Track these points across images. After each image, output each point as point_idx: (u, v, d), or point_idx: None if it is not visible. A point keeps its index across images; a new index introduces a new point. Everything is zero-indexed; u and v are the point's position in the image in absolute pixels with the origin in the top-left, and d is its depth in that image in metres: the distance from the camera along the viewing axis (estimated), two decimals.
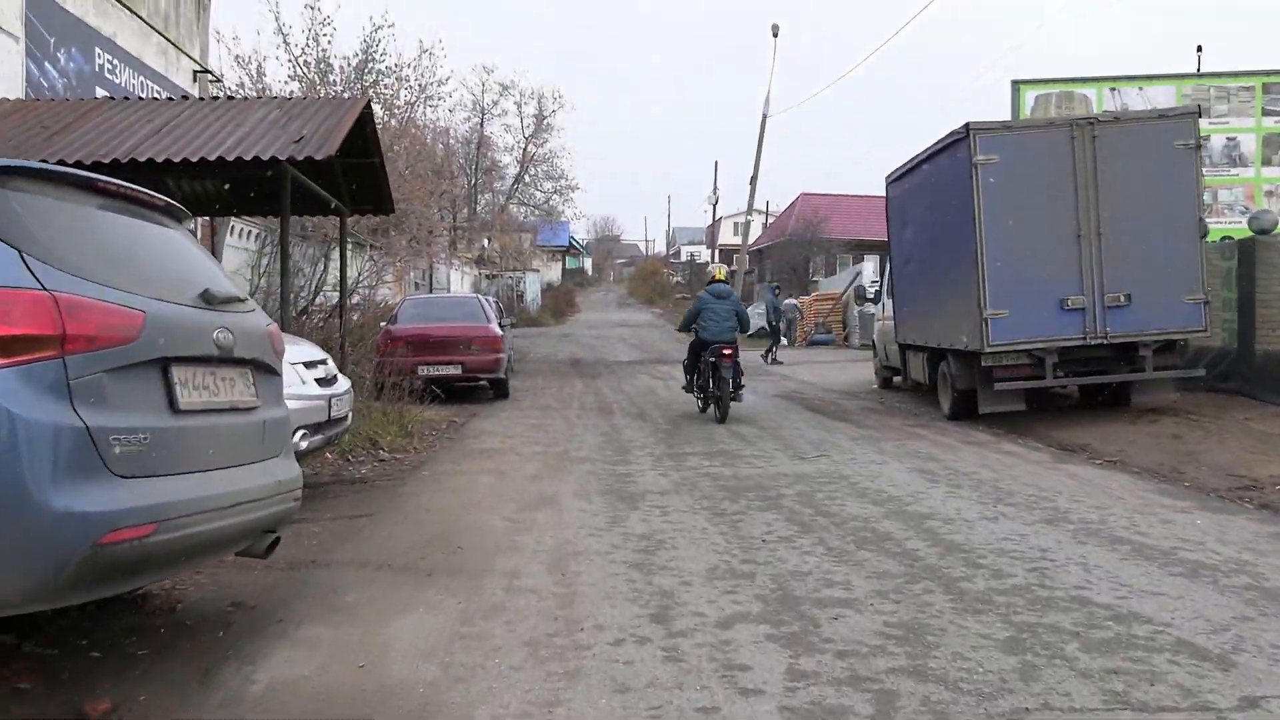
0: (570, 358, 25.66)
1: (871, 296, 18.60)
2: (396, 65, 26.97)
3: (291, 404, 6.28)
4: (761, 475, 7.97)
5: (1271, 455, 8.40)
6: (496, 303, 20.28)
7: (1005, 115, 19.45)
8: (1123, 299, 10.71)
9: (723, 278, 13.14)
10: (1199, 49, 22.64)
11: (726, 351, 11.63)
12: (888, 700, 3.30)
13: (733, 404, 11.78)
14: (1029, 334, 10.76)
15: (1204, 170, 11.82)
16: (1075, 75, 21.06)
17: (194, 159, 8.76)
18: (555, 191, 51.04)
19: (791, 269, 42.95)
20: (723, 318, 11.95)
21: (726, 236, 65.66)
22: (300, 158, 8.77)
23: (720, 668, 3.61)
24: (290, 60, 25.81)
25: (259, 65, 25.47)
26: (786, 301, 30.14)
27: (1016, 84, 20.43)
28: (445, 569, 4.99)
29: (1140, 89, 20.24)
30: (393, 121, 26.04)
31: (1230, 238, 13.85)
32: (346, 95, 21.36)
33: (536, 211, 52.70)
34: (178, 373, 3.32)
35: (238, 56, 26.86)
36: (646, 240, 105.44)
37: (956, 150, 11.21)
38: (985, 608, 4.35)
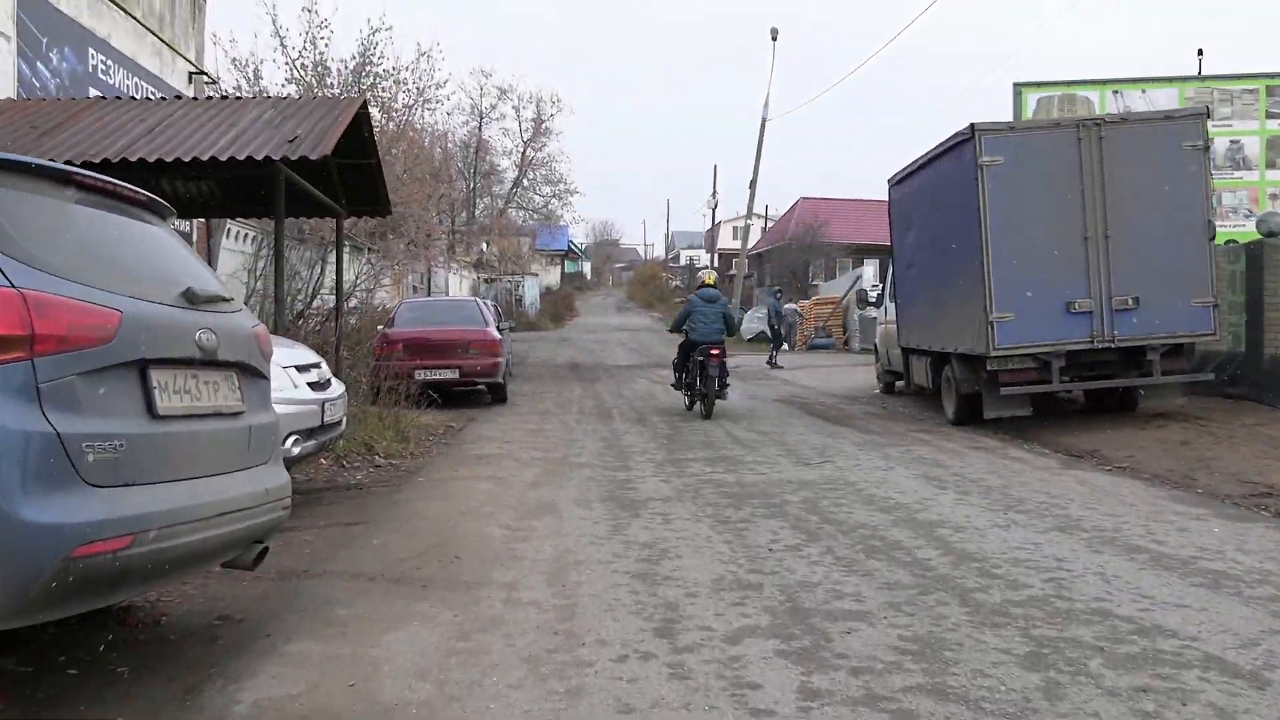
0: (569, 362, 25.49)
1: (873, 300, 18.43)
2: (394, 68, 26.87)
3: (283, 408, 6.12)
4: (765, 482, 7.80)
5: None
6: (495, 306, 20.12)
7: (1006, 118, 19.27)
8: (1130, 302, 10.56)
9: (712, 283, 13.52)
10: (1200, 52, 22.51)
11: (714, 352, 12.20)
12: None
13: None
14: (1035, 337, 10.60)
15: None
16: (1077, 78, 20.93)
17: (186, 159, 8.59)
18: (554, 195, 50.99)
19: (791, 273, 42.82)
20: (711, 320, 12.48)
21: (726, 240, 65.57)
22: (294, 157, 8.60)
23: (729, 686, 3.43)
24: (288, 63, 25.71)
25: (256, 68, 25.38)
26: (787, 306, 29.97)
27: (1018, 86, 20.29)
28: (441, 580, 4.81)
29: (1143, 91, 20.11)
30: (390, 125, 25.90)
31: (1235, 241, 13.71)
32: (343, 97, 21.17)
33: (535, 215, 52.59)
34: (157, 376, 3.15)
35: (235, 59, 26.66)
36: (645, 244, 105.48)
37: (961, 151, 11.05)
38: (1003, 620, 4.18)
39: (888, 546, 5.55)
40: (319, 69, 25.73)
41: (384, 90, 26.41)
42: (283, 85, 25.23)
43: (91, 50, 13.01)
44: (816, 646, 3.84)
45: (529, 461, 8.98)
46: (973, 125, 10.70)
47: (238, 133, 9.28)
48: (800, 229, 45.22)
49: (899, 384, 15.97)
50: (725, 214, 62.44)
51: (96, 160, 8.49)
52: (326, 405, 6.57)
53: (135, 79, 14.06)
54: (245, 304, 15.73)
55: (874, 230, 42.64)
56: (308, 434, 6.32)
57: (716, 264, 60.79)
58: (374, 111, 24.22)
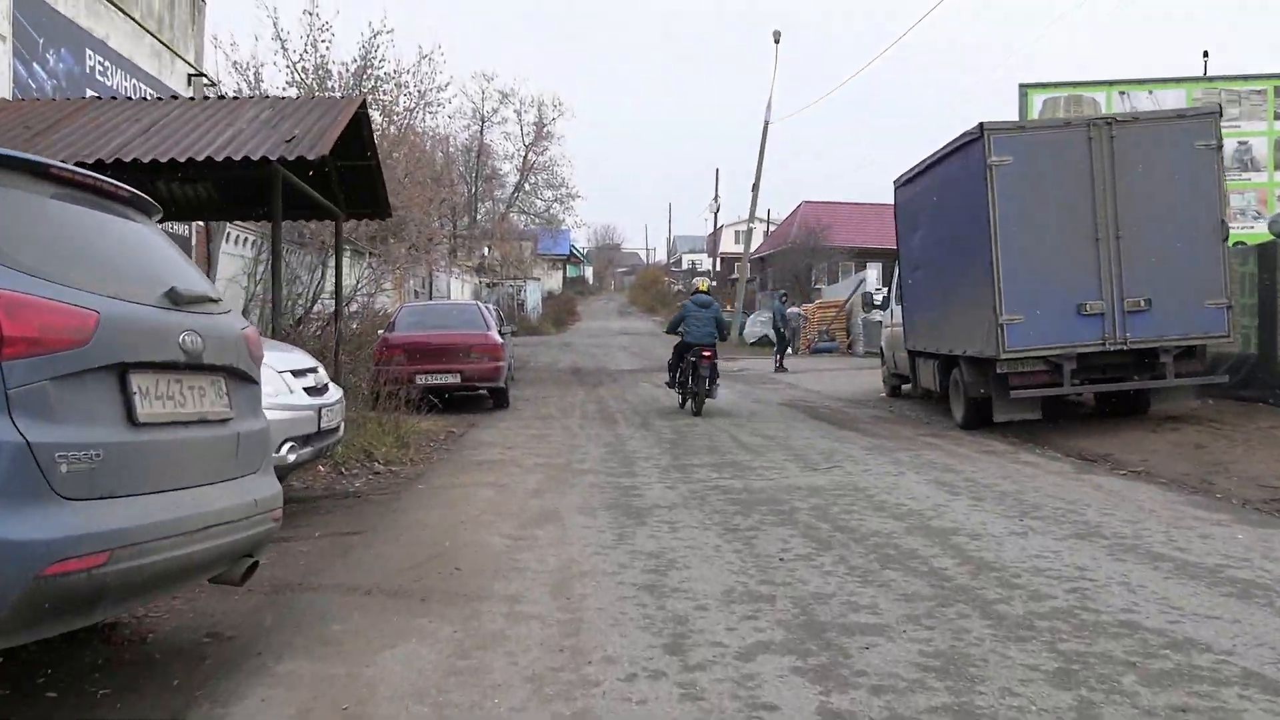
0: (571, 366, 25.32)
1: (879, 303, 18.25)
2: (396, 71, 26.72)
3: (279, 414, 5.96)
4: (773, 488, 7.61)
5: None
6: (497, 311, 19.95)
7: (1012, 119, 19.10)
8: (1142, 303, 10.37)
9: (705, 289, 14.50)
10: (1205, 54, 22.39)
11: (705, 353, 13.05)
12: None
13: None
14: (1046, 340, 10.41)
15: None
16: (1083, 79, 20.76)
17: (181, 159, 8.45)
18: (556, 200, 50.87)
19: (794, 277, 42.67)
20: (703, 324, 13.30)
21: (728, 245, 65.41)
22: (291, 157, 8.45)
23: (744, 707, 3.25)
24: (289, 66, 25.58)
25: (257, 71, 25.26)
26: (790, 310, 29.78)
27: (1024, 87, 20.13)
28: (441, 593, 4.63)
29: (1150, 92, 19.94)
30: (392, 128, 25.77)
31: (1243, 243, 13.52)
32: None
33: (537, 220, 52.47)
34: (137, 380, 2.97)
35: (235, 63, 26.57)
36: (647, 248, 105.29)
37: (970, 151, 10.87)
38: (1028, 634, 3.99)
39: (903, 555, 5.36)
40: (320, 72, 25.60)
41: (385, 93, 26.28)
42: (284, 88, 25.10)
43: (89, 51, 12.88)
44: (834, 663, 3.65)
45: (531, 468, 8.79)
46: (981, 125, 10.52)
47: (234, 133, 9.13)
48: (803, 232, 45.09)
49: (905, 387, 15.80)
50: (727, 218, 62.30)
51: (90, 160, 8.33)
52: (323, 411, 6.39)
53: (133, 80, 13.92)
54: (245, 308, 15.71)
55: (876, 234, 42.52)
56: (304, 440, 6.14)
57: (719, 268, 60.82)
58: (375, 115, 24.10)
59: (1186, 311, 10.44)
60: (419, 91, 28.09)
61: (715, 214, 55.48)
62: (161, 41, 15.00)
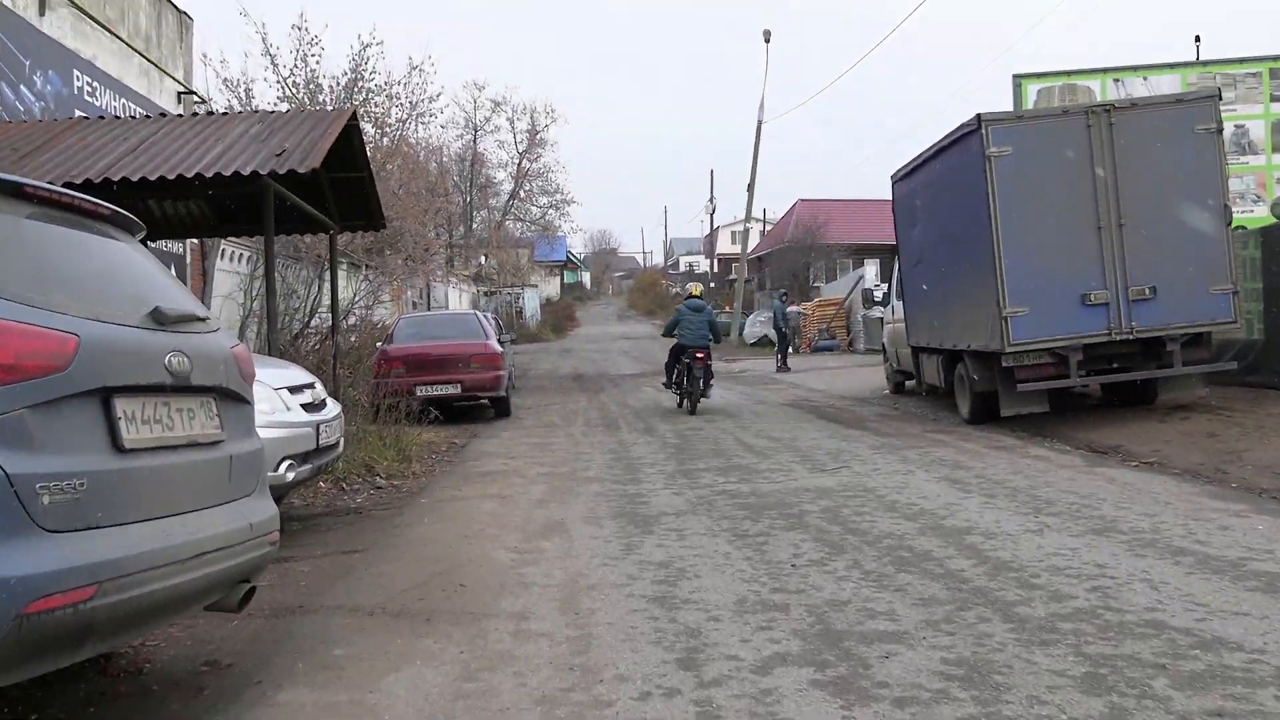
0: (572, 372, 25.20)
1: (880, 300, 18.13)
2: (386, 83, 26.59)
3: (276, 432, 5.85)
4: (782, 491, 7.49)
5: None
6: (495, 319, 19.84)
7: (1010, 109, 18.98)
8: (1147, 292, 10.26)
9: (698, 294, 15.24)
10: (1197, 39, 22.27)
11: (699, 355, 13.67)
12: None
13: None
14: (1051, 331, 10.30)
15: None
16: (1077, 68, 20.64)
17: (170, 176, 8.31)
18: (551, 206, 50.76)
19: (792, 275, 42.53)
20: (697, 327, 13.84)
21: (724, 245, 65.38)
22: (282, 171, 8.32)
23: None
24: (279, 81, 25.47)
25: (248, 88, 25.13)
26: (790, 309, 29.67)
27: (1018, 78, 20.00)
28: (445, 612, 4.50)
29: (1144, 79, 19.82)
30: (384, 140, 25.67)
31: (1243, 227, 13.41)
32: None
33: (533, 227, 52.35)
34: (122, 405, 2.85)
35: (226, 80, 26.44)
36: (644, 252, 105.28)
37: (968, 143, 10.77)
38: (1052, 637, 3.87)
39: (917, 557, 5.24)
40: (311, 86, 25.48)
41: (377, 105, 26.18)
42: (275, 104, 24.97)
43: (76, 72, 12.77)
44: (854, 675, 3.53)
45: (535, 478, 8.67)
46: (979, 116, 10.41)
47: (224, 148, 9.02)
48: (799, 231, 44.98)
49: (909, 384, 15.68)
50: (723, 218, 62.31)
51: (78, 181, 8.21)
52: (321, 427, 6.27)
53: (122, 100, 13.81)
54: (243, 324, 15.57)
55: (873, 230, 42.40)
56: (302, 458, 6.02)
57: (716, 268, 60.78)
58: (367, 127, 24.03)
59: (1192, 298, 10.33)
60: (410, 103, 28.00)
61: (711, 215, 55.44)
62: (150, 60, 14.90)
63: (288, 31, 38.52)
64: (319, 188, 10.66)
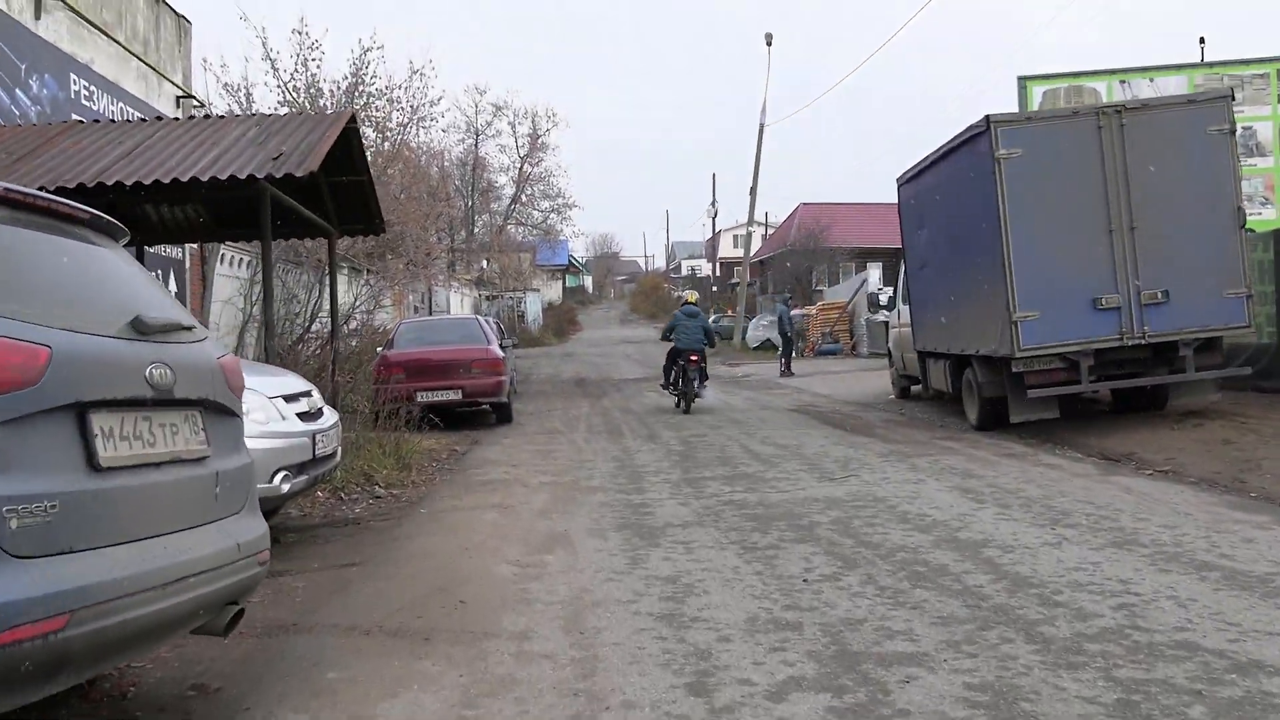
0: (575, 377, 25.04)
1: (885, 303, 17.95)
2: (387, 87, 26.48)
3: (271, 443, 5.68)
4: (790, 501, 7.31)
5: None
6: (497, 323, 19.68)
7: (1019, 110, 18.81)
8: (1160, 295, 10.08)
9: (694, 301, 16.23)
10: (1201, 40, 22.14)
11: (693, 358, 14.59)
12: None
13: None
14: (1062, 336, 10.12)
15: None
16: (1082, 69, 20.48)
17: (165, 180, 8.17)
18: (553, 210, 50.65)
19: (794, 279, 42.37)
20: (692, 332, 14.77)
21: (726, 249, 65.24)
22: (279, 175, 8.17)
23: None
24: (279, 86, 25.35)
25: (248, 92, 25.00)
26: (794, 312, 29.51)
27: (1023, 80, 19.84)
28: (445, 631, 4.32)
29: (1151, 80, 19.66)
30: (386, 145, 25.56)
31: (1252, 230, 13.24)
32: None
33: (534, 231, 52.23)
34: (98, 421, 2.69)
35: (226, 84, 26.36)
36: (646, 256, 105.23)
37: (976, 145, 10.60)
38: (1079, 660, 3.69)
39: (933, 572, 5.06)
40: (311, 90, 25.37)
41: (378, 109, 26.06)
42: (275, 108, 24.83)
43: (73, 76, 12.63)
44: (874, 701, 3.35)
45: (537, 487, 8.50)
46: (988, 117, 10.25)
47: (220, 152, 8.87)
48: (802, 234, 44.83)
49: (915, 388, 15.50)
50: (725, 222, 62.13)
51: (71, 185, 8.07)
52: (318, 437, 6.10)
53: (120, 104, 13.68)
54: (242, 329, 15.41)
55: (876, 233, 42.25)
56: (298, 469, 5.85)
57: (718, 272, 60.67)
58: (368, 131, 23.91)
59: (1205, 302, 10.15)
60: (411, 107, 27.89)
61: (713, 219, 55.29)
62: (147, 64, 14.77)
63: (288, 36, 38.38)
64: (318, 191, 10.52)
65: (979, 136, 10.46)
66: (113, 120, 11.58)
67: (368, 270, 22.24)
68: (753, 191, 37.06)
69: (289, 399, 6.02)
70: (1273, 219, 17.61)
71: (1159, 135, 10.20)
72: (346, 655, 4.03)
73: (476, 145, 47.86)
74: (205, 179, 8.21)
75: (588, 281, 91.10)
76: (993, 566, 5.15)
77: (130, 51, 14.19)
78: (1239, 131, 19.02)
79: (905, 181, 13.82)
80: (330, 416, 6.63)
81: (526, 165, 49.43)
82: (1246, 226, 10.81)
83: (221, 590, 3.09)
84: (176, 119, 11.29)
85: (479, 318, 18.82)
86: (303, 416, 6.08)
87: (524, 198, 50.33)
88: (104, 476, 2.67)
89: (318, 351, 13.36)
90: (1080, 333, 10.13)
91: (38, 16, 11.83)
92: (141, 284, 3.27)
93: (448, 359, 13.76)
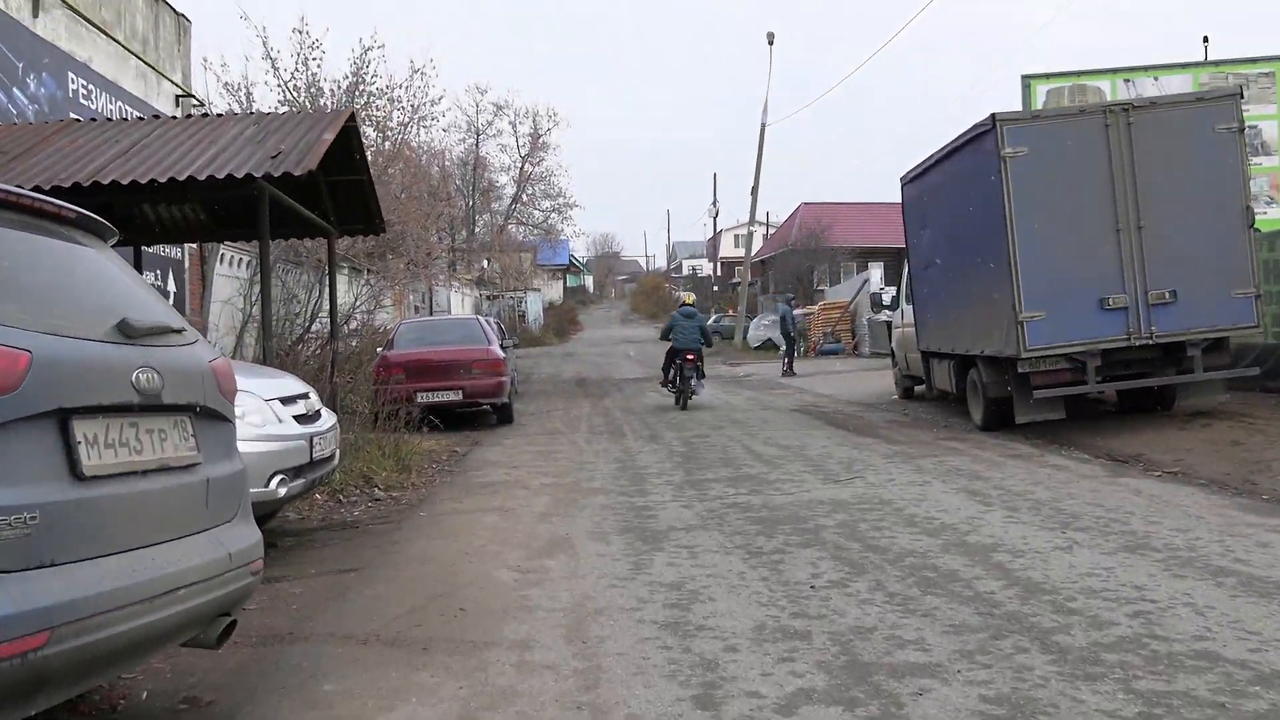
0: (576, 377, 24.94)
1: (888, 303, 17.84)
2: (388, 86, 26.38)
3: (267, 446, 5.58)
4: (794, 503, 7.20)
5: None
6: (498, 323, 19.59)
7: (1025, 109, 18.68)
8: (1167, 295, 9.98)
9: (690, 303, 16.74)
10: (1205, 40, 22.04)
11: (690, 356, 15.26)
12: None
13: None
14: (1068, 336, 10.02)
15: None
16: (1086, 68, 20.36)
17: (162, 179, 8.07)
18: (554, 210, 50.58)
19: (796, 279, 42.26)
20: (688, 332, 15.45)
21: (728, 249, 65.11)
22: (277, 174, 8.07)
23: None
24: (280, 85, 25.24)
25: (248, 91, 24.90)
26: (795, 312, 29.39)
27: (1027, 79, 19.72)
28: (444, 640, 4.22)
29: (1155, 79, 19.54)
30: (386, 144, 25.45)
31: (1258, 230, 13.12)
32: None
33: (535, 231, 52.14)
34: (82, 428, 2.58)
35: (226, 84, 26.21)
36: (647, 256, 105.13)
37: (982, 143, 10.49)
38: (1097, 671, 3.59)
39: (943, 578, 4.96)
40: (312, 90, 25.27)
41: (378, 109, 25.96)
42: (276, 107, 24.71)
43: (71, 74, 12.53)
44: (886, 715, 3.25)
45: (538, 489, 8.39)
46: (994, 115, 10.14)
47: (217, 151, 8.77)
48: (803, 234, 44.74)
49: (918, 389, 15.40)
50: (726, 222, 61.99)
51: (67, 185, 7.97)
52: (315, 439, 6.00)
53: (118, 103, 13.58)
54: (241, 329, 15.31)
55: (878, 233, 42.18)
56: (295, 472, 5.75)
57: (719, 272, 60.56)
58: (369, 130, 23.79)
59: (1213, 302, 10.05)
60: (412, 106, 27.78)
61: (714, 219, 55.16)
62: (146, 63, 14.66)
63: (289, 35, 38.24)
64: (317, 191, 10.42)
65: (985, 135, 10.35)
66: (108, 119, 11.47)
67: (368, 270, 22.14)
68: (754, 191, 36.96)
69: (286, 401, 5.92)
70: (1278, 218, 17.48)
71: (1167, 133, 10.09)
72: (343, 666, 3.93)
73: (477, 145, 47.84)
74: (202, 178, 8.11)
75: (589, 281, 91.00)
76: (1004, 572, 5.04)
77: (129, 50, 14.09)
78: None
79: (909, 180, 13.71)
80: (328, 419, 6.53)
81: (527, 165, 49.41)
82: (1253, 227, 10.73)
83: (213, 602, 2.99)
84: (174, 117, 11.18)
85: (479, 318, 18.72)
86: (300, 419, 5.98)
87: (525, 197, 50.29)
88: (88, 486, 2.57)
89: (318, 352, 13.27)
90: (1087, 333, 10.03)
91: (35, 14, 11.73)
92: (130, 285, 3.17)
93: (448, 359, 13.65)
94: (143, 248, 11.86)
